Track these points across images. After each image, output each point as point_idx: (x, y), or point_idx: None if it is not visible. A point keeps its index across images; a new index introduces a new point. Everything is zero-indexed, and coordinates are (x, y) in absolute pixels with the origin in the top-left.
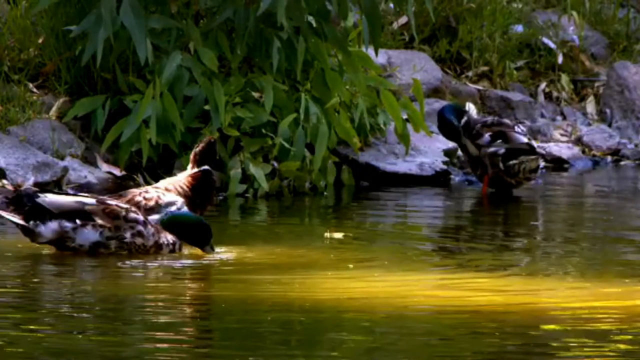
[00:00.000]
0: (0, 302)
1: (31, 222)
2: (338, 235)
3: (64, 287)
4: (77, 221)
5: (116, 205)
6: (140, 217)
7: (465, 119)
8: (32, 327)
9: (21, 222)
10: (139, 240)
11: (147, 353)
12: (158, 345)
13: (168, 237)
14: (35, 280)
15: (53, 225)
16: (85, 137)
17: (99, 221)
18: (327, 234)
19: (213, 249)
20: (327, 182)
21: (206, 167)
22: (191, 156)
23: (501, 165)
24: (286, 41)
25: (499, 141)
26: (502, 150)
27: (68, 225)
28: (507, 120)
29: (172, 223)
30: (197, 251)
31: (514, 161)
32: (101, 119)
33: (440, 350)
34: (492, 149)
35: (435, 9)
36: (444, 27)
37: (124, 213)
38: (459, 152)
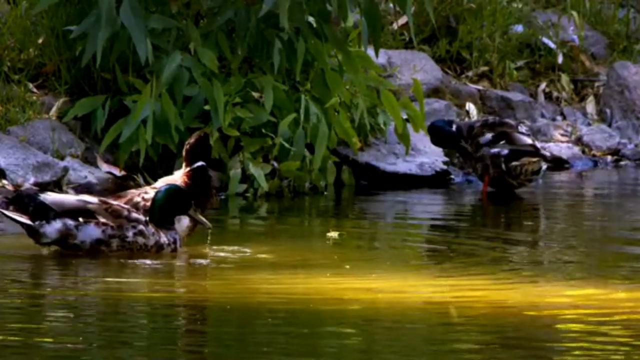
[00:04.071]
0: (2, 307)
1: (37, 222)
2: (337, 234)
3: (64, 290)
4: (80, 219)
5: (118, 205)
6: (142, 217)
7: (454, 126)
8: (34, 332)
9: (27, 221)
10: (140, 240)
11: (146, 356)
12: (158, 345)
13: (168, 237)
14: (37, 283)
15: (57, 224)
16: (85, 137)
17: (102, 219)
18: (329, 234)
19: (196, 211)
20: (327, 182)
21: (200, 163)
22: (183, 153)
23: (503, 166)
24: (286, 42)
25: (502, 142)
26: (505, 152)
27: (71, 223)
28: (509, 120)
29: (159, 217)
30: (197, 251)
31: (516, 163)
32: (101, 119)
33: (441, 351)
34: (495, 150)
35: (435, 9)
36: (444, 27)
37: (126, 212)
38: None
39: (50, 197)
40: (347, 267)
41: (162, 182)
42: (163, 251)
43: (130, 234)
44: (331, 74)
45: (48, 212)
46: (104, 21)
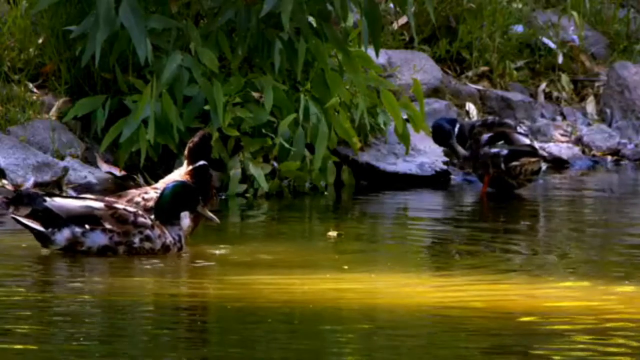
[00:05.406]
0: (4, 307)
1: (49, 230)
2: (336, 234)
3: (65, 291)
4: (87, 226)
5: (124, 209)
6: (148, 221)
7: (458, 125)
8: (35, 335)
9: (40, 228)
10: (147, 245)
11: (147, 355)
12: (158, 345)
13: (173, 234)
14: (38, 284)
15: (66, 232)
16: (85, 137)
17: (108, 226)
18: (329, 234)
19: (204, 207)
20: (327, 182)
21: (202, 162)
22: (185, 152)
23: (503, 166)
24: (287, 42)
25: (501, 142)
26: (504, 152)
27: (79, 230)
28: (508, 121)
29: (167, 213)
30: (197, 251)
31: (516, 163)
32: (101, 119)
33: (441, 352)
34: (494, 150)
35: (435, 9)
36: (444, 27)
37: (132, 218)
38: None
39: (56, 203)
40: (347, 267)
41: (162, 183)
42: (170, 252)
43: (136, 240)
44: (331, 74)
45: (57, 219)
46: (102, 22)
